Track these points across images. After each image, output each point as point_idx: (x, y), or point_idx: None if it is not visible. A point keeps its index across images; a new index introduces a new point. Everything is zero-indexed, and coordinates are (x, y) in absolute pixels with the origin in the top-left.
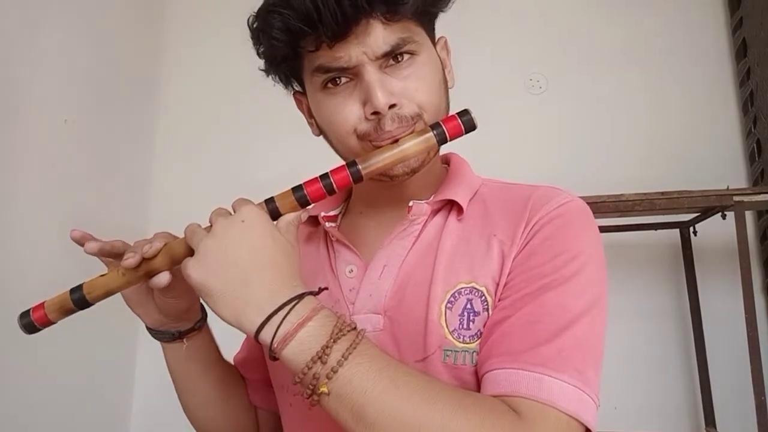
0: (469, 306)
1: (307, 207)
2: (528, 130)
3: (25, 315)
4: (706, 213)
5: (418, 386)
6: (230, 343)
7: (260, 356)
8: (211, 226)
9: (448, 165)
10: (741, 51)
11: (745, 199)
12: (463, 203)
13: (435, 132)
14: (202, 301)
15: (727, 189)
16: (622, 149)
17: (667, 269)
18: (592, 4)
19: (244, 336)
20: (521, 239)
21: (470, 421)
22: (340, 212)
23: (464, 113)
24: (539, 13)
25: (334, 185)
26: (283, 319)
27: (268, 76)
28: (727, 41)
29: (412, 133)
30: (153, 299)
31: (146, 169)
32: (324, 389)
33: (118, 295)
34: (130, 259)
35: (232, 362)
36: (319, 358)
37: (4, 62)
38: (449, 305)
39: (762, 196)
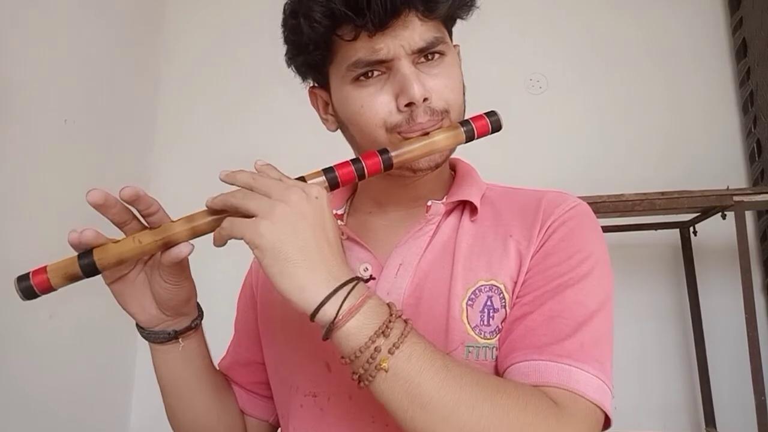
0: (489, 303)
1: (335, 190)
2: (527, 130)
3: (24, 278)
4: (706, 213)
5: (466, 371)
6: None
7: (251, 358)
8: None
9: (454, 170)
10: (741, 51)
11: (745, 199)
12: (477, 203)
13: (464, 129)
14: (258, 262)
15: (727, 189)
16: (622, 149)
17: (667, 269)
18: (591, 4)
19: (228, 342)
20: (537, 240)
21: (517, 404)
22: (344, 212)
23: (492, 114)
24: (539, 13)
25: (366, 170)
26: (349, 293)
27: (290, 66)
28: (727, 41)
29: (440, 128)
30: (150, 291)
31: (146, 170)
32: (385, 365)
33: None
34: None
35: None
36: (382, 332)
37: (3, 62)
38: (470, 302)
39: (762, 196)
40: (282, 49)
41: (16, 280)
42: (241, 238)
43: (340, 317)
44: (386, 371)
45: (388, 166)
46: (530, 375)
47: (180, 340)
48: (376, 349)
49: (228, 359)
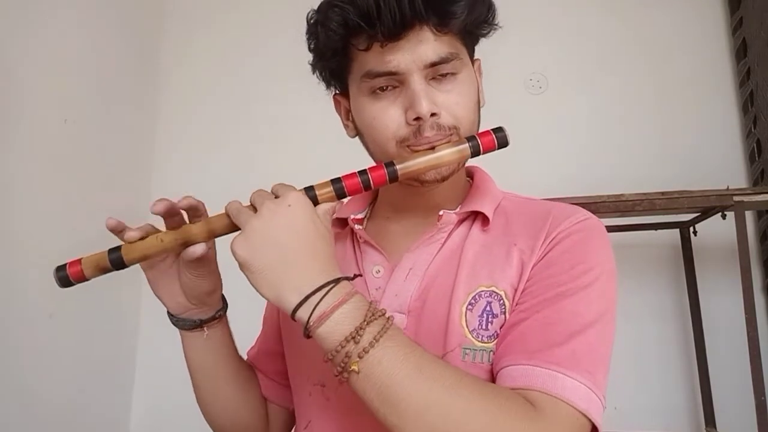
0: (488, 308)
1: (342, 200)
2: (527, 130)
3: (61, 268)
4: (706, 213)
5: (442, 373)
6: (241, 341)
7: (275, 348)
8: (252, 205)
9: (471, 178)
10: (741, 51)
11: (745, 199)
12: (489, 215)
13: (470, 144)
14: (242, 281)
15: (727, 189)
16: (622, 149)
17: (667, 269)
18: (591, 4)
19: (257, 334)
20: (541, 249)
21: (489, 406)
22: (365, 216)
23: (499, 130)
24: (539, 13)
25: (372, 181)
26: (321, 300)
27: (314, 72)
28: (727, 41)
29: (448, 143)
30: (179, 280)
31: (146, 169)
32: (354, 367)
33: (119, 296)
34: (173, 219)
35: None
36: (353, 338)
37: (4, 62)
38: (470, 307)
39: (762, 196)
40: (281, 52)
41: (55, 270)
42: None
43: (311, 324)
44: (357, 373)
45: (393, 178)
46: (517, 379)
47: (205, 328)
48: (346, 354)
49: (255, 349)
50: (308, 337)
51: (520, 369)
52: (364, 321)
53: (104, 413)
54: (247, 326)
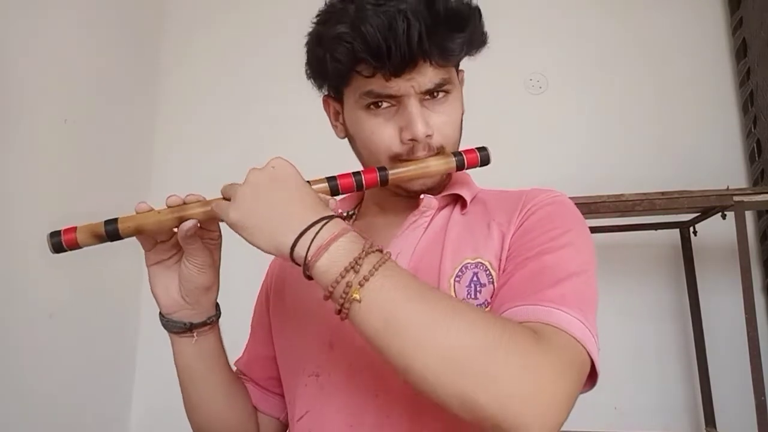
0: (475, 279)
1: (336, 197)
2: (527, 130)
3: (55, 234)
4: (706, 213)
5: (443, 297)
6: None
7: (266, 352)
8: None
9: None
10: (741, 51)
11: (745, 199)
12: (467, 198)
13: (456, 158)
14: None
15: (727, 189)
16: (622, 149)
17: (667, 269)
18: (591, 5)
19: (245, 342)
20: (517, 221)
21: (494, 327)
22: (352, 216)
23: (483, 149)
24: (539, 14)
25: (364, 182)
26: (316, 234)
27: (308, 80)
28: (727, 41)
29: (435, 155)
30: (177, 274)
31: (146, 169)
32: (356, 296)
33: (119, 296)
34: (173, 198)
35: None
36: (352, 267)
37: (4, 62)
38: (457, 279)
39: (762, 196)
40: (281, 52)
41: (48, 236)
42: (222, 219)
43: (310, 258)
44: (359, 302)
45: (384, 182)
46: (517, 317)
47: (195, 333)
48: (347, 284)
49: (245, 357)
50: (308, 277)
51: (517, 309)
52: (363, 251)
53: (104, 413)
54: (239, 336)
